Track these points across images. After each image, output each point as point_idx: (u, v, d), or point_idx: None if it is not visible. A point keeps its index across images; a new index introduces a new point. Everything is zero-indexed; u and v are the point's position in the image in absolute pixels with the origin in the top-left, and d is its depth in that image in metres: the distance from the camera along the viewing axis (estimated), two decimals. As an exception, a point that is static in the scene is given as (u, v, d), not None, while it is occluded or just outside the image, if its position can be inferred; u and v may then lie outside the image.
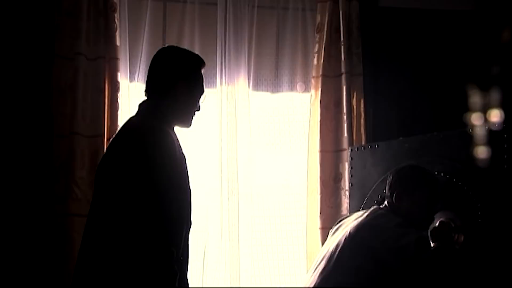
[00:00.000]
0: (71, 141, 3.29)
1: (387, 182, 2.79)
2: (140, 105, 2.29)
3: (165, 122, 2.19)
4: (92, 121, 3.36)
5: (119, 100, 3.39)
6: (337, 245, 2.66)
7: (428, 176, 2.74)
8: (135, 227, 2.00)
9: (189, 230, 2.21)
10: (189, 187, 2.21)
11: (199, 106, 2.31)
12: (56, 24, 3.37)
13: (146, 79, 2.31)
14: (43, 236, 3.24)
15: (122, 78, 3.46)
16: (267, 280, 3.67)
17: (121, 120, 3.34)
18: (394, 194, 2.72)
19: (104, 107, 3.38)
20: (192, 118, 2.30)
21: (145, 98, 2.29)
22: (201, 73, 2.33)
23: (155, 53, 2.36)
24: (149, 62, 3.59)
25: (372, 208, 2.79)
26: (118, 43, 3.42)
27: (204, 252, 3.59)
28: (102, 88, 3.38)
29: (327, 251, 2.70)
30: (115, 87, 3.40)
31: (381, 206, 2.79)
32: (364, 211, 2.82)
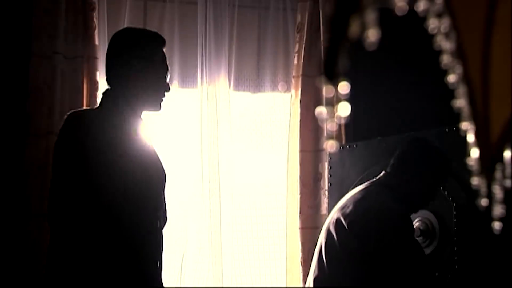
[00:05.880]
0: (48, 140, 3.27)
1: (399, 151, 2.48)
2: (103, 94, 2.20)
3: (131, 109, 2.12)
4: (70, 120, 3.33)
5: (97, 100, 3.37)
6: (328, 235, 2.42)
7: (448, 165, 2.47)
8: (82, 227, 1.94)
9: (163, 225, 2.13)
10: (157, 178, 2.12)
11: (168, 86, 2.22)
12: (33, 22, 3.35)
13: (105, 66, 2.22)
14: (19, 237, 3.21)
15: (101, 78, 3.43)
16: (248, 280, 3.67)
17: (100, 120, 3.33)
18: (402, 172, 2.42)
19: (82, 106, 3.36)
20: (162, 100, 2.21)
21: (108, 87, 2.20)
22: (163, 52, 2.23)
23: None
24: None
25: (367, 187, 2.48)
26: (97, 42, 3.41)
27: (184, 252, 3.57)
28: (81, 88, 3.36)
29: (321, 242, 2.47)
30: (93, 87, 3.38)
31: (379, 178, 2.48)
32: (360, 190, 2.48)
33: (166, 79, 2.22)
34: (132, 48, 2.17)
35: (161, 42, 2.25)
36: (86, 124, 2.02)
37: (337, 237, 2.37)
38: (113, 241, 1.96)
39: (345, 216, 2.37)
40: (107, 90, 2.21)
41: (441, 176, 2.48)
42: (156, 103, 2.19)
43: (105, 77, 2.23)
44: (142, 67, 2.15)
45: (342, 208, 2.43)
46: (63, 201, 1.96)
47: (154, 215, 2.11)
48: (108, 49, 2.24)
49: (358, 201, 2.40)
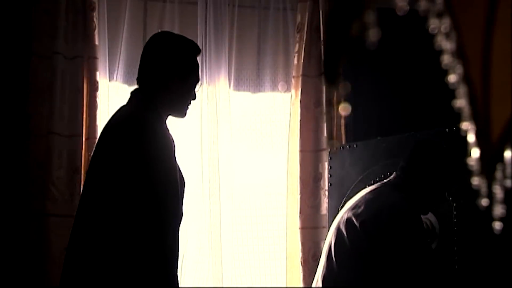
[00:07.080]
0: (49, 140, 3.27)
1: (409, 153, 2.47)
2: (132, 94, 2.21)
3: (158, 113, 2.14)
4: (70, 121, 3.34)
5: (97, 100, 3.38)
6: (337, 236, 2.43)
7: (457, 168, 2.46)
8: (133, 226, 1.96)
9: (180, 223, 2.15)
10: (183, 178, 2.16)
11: (195, 95, 2.25)
12: (33, 22, 3.35)
13: (139, 65, 2.24)
14: (19, 236, 3.21)
15: (101, 78, 3.44)
16: (248, 280, 3.67)
17: (100, 120, 3.33)
18: (412, 174, 2.43)
19: (82, 106, 3.36)
20: (188, 108, 2.24)
21: (137, 86, 2.22)
22: (197, 61, 2.27)
23: (138, 46, 2.31)
24: (129, 62, 3.54)
25: (378, 188, 2.49)
26: (97, 42, 3.41)
27: (184, 252, 3.57)
28: (81, 88, 3.37)
29: (329, 241, 2.48)
30: (93, 87, 3.38)
31: (390, 179, 2.49)
32: (371, 191, 2.49)
33: (195, 88, 2.26)
34: (170, 54, 2.20)
35: (198, 51, 2.30)
36: (152, 132, 2.07)
37: (347, 236, 2.40)
38: (165, 242, 2.00)
39: (357, 215, 2.40)
40: (136, 90, 2.22)
41: (450, 179, 2.50)
42: (182, 110, 2.24)
43: (136, 76, 2.25)
44: (179, 74, 2.19)
45: (353, 208, 2.46)
46: (128, 201, 1.99)
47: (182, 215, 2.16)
48: (145, 50, 2.26)
49: (370, 201, 2.43)
